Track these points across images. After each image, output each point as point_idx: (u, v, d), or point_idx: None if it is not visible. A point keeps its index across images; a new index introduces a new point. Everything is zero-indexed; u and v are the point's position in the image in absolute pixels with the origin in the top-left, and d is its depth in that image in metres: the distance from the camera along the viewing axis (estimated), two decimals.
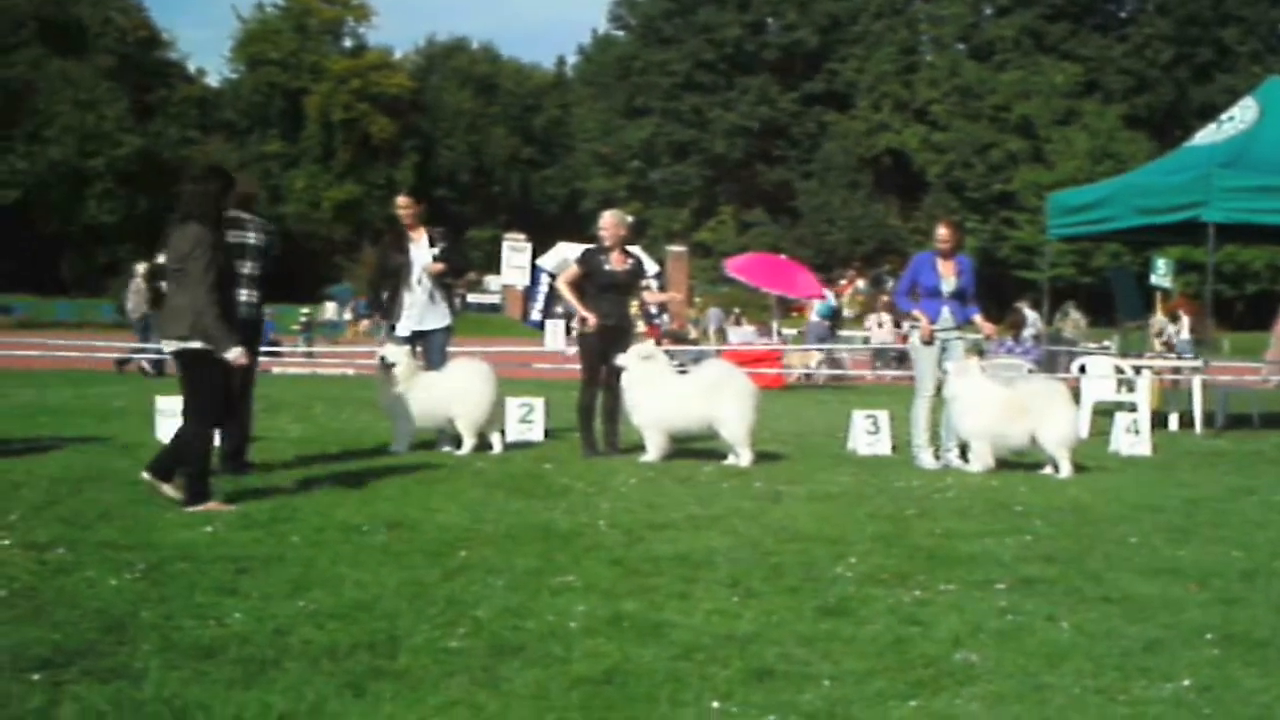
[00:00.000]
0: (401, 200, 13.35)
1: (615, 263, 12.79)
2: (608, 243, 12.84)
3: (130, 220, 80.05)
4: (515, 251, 28.79)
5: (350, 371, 27.03)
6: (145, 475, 8.96)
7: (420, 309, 12.99)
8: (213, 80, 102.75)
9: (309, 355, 36.56)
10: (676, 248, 62.51)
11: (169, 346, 9.01)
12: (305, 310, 48.80)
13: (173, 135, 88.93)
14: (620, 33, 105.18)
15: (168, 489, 8.84)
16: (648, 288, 14.87)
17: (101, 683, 4.79)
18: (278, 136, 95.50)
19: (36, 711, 4.47)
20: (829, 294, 33.55)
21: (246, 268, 10.56)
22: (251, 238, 10.72)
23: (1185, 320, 27.47)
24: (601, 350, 12.56)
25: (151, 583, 6.43)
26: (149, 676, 4.87)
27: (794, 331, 38.70)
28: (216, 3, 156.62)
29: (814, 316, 31.21)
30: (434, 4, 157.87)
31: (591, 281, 12.78)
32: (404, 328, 12.95)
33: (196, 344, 8.77)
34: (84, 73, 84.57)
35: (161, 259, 9.84)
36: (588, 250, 13.24)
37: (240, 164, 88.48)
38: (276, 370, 30.67)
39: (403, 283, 12.98)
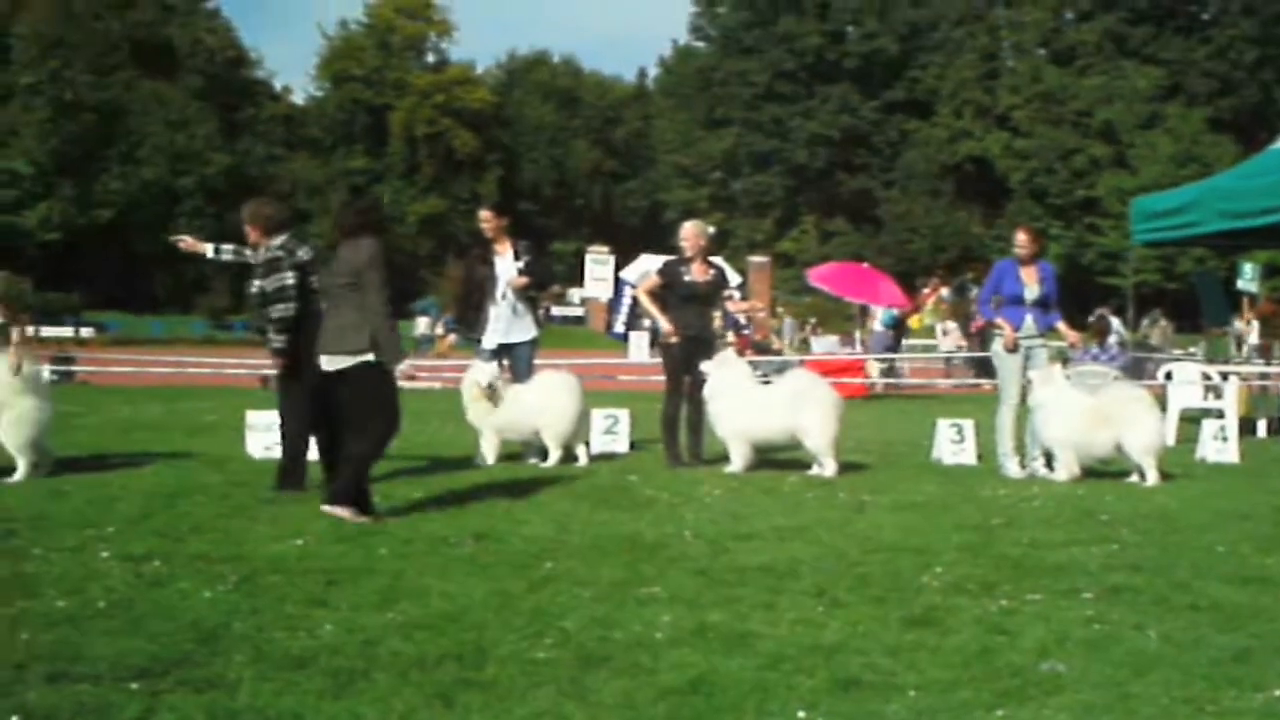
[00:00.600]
0: (485, 214, 13.44)
1: (697, 273, 12.84)
2: (689, 253, 12.89)
3: (219, 238, 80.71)
4: (598, 264, 28.85)
5: (437, 385, 27.18)
6: (326, 508, 8.84)
7: (505, 322, 13.05)
8: (298, 98, 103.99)
9: None
10: (759, 258, 62.38)
11: (339, 363, 8.95)
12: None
13: (260, 153, 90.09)
14: (700, 44, 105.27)
15: (346, 513, 8.82)
16: (730, 297, 14.84)
17: (197, 692, 4.88)
18: (362, 152, 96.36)
19: None
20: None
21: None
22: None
23: (1255, 325, 27.00)
24: (684, 361, 12.61)
25: (244, 595, 6.54)
26: (242, 687, 4.95)
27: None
28: (302, 21, 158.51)
29: (878, 326, 31.05)
30: (515, 18, 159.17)
31: (673, 292, 12.82)
32: (489, 341, 13.02)
33: (370, 358, 8.85)
34: (174, 93, 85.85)
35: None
36: (669, 261, 13.30)
37: (328, 180, 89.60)
38: None
39: (488, 296, 13.06)
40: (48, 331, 53.59)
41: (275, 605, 6.30)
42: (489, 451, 12.56)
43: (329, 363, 9.01)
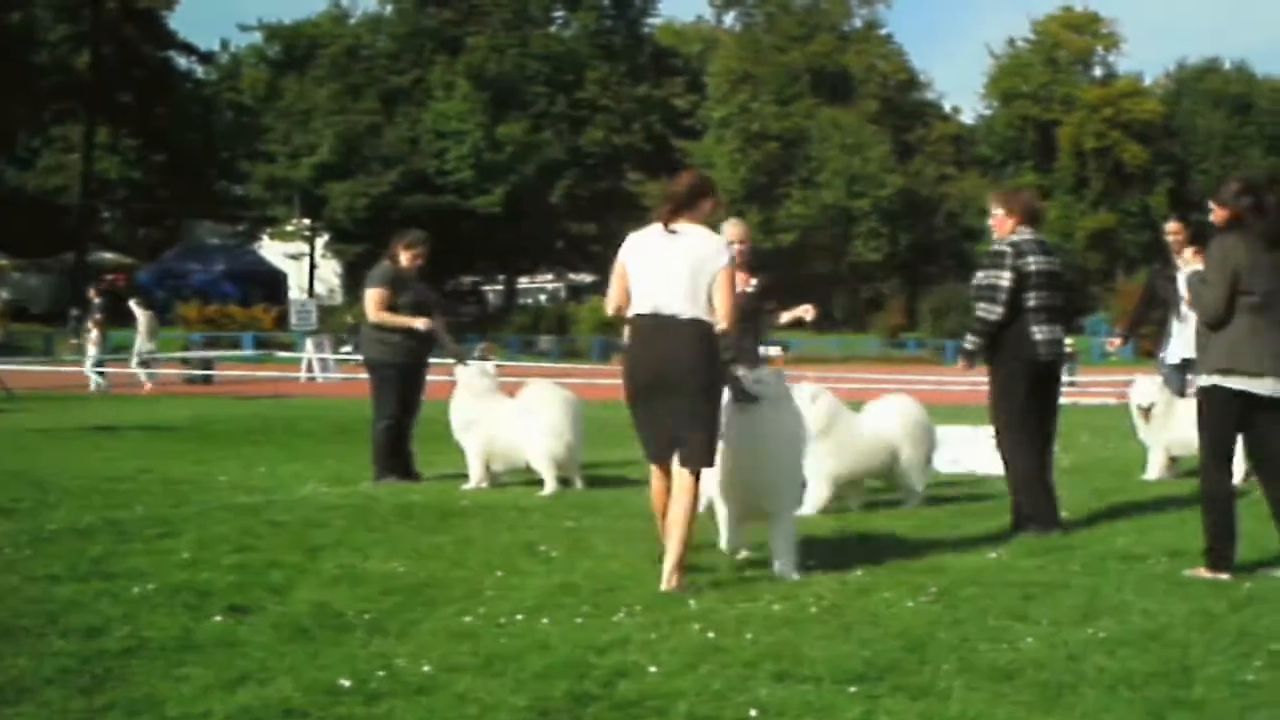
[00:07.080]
0: (1172, 225, 13.11)
1: None
2: None
3: (892, 257, 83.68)
4: None
5: (1112, 400, 26.71)
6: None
7: (1189, 338, 12.67)
8: (967, 117, 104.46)
9: (1071, 384, 36.61)
10: None
11: None
12: (1069, 341, 48.83)
13: (930, 173, 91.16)
14: None
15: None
16: None
17: (910, 699, 5.05)
18: (1030, 169, 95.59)
19: None
20: None
21: (1043, 297, 9.24)
22: (1044, 262, 9.27)
23: None
24: None
25: (945, 605, 6.72)
26: (953, 695, 5.08)
27: None
28: (970, 41, 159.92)
29: None
30: (1184, 26, 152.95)
31: None
32: (1173, 355, 12.77)
33: None
34: (851, 118, 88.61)
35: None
36: None
37: None
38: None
39: (1171, 310, 12.76)
40: None
41: (977, 617, 6.44)
42: (1155, 469, 12.45)
43: (1275, 387, 7.55)
